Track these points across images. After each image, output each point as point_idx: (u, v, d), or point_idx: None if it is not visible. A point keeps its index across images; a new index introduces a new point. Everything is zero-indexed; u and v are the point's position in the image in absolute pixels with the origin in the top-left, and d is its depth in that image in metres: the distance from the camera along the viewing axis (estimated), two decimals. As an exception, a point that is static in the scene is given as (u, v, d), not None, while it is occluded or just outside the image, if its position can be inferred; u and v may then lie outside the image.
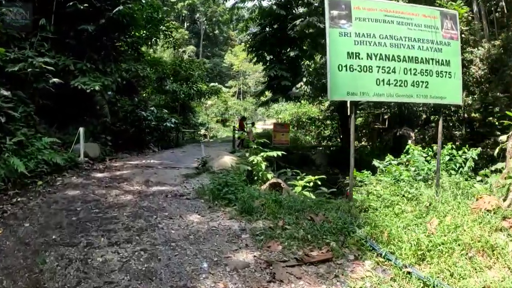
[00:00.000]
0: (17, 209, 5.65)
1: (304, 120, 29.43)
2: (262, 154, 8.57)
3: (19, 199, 6.10)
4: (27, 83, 8.90)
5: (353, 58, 5.63)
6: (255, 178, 8.48)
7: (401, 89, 5.93)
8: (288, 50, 15.65)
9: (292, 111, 30.13)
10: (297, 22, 13.65)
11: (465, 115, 26.71)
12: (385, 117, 31.13)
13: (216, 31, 58.54)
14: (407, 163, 10.24)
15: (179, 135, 19.16)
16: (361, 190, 9.66)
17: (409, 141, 20.42)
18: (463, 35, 20.67)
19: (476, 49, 22.03)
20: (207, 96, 22.30)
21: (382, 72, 5.78)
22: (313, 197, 9.47)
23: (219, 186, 6.73)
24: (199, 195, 6.85)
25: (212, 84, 23.78)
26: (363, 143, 31.74)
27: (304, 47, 16.47)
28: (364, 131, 29.76)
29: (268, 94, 21.14)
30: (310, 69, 17.67)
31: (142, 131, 16.16)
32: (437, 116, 26.57)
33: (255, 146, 8.77)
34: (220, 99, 32.63)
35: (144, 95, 23.25)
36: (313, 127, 30.24)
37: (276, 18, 16.65)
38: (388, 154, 21.33)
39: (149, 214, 5.65)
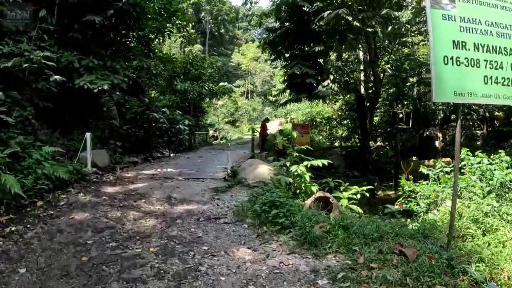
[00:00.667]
0: (11, 243, 4.29)
1: (319, 120, 28.00)
2: (305, 163, 7.18)
3: (13, 229, 4.73)
4: (24, 83, 7.56)
5: (459, 48, 4.19)
6: (297, 191, 7.09)
7: (509, 89, 4.48)
8: (312, 45, 14.20)
9: (305, 111, 28.69)
10: (325, 14, 12.21)
11: (487, 113, 25.25)
12: (400, 116, 29.77)
13: (222, 30, 57.24)
14: (462, 170, 8.78)
15: (192, 138, 17.80)
16: (418, 202, 8.26)
17: (436, 143, 19.03)
18: None
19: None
20: (218, 96, 20.92)
21: (490, 68, 4.34)
22: (360, 210, 8.10)
23: (265, 206, 5.35)
24: (240, 217, 5.47)
25: (221, 83, 22.31)
26: (378, 143, 30.33)
27: (330, 43, 15.03)
28: (380, 130, 28.34)
29: (286, 94, 19.77)
30: (337, 66, 16.20)
31: (153, 135, 14.85)
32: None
33: (296, 154, 7.39)
34: (230, 99, 31.32)
35: (153, 95, 21.97)
36: (328, 127, 28.82)
37: (298, 11, 15.23)
38: (415, 156, 19.97)
39: (182, 249, 4.27)
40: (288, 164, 7.24)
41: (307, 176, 7.16)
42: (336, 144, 29.40)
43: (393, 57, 23.43)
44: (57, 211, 5.55)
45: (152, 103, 14.16)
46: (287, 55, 16.75)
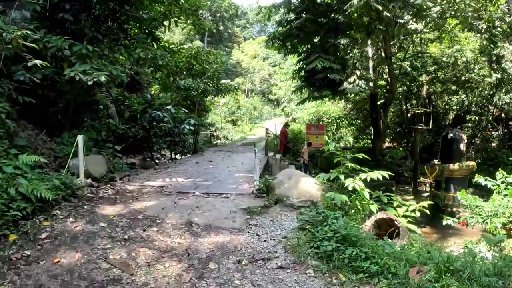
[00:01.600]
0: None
1: (326, 119, 26.44)
2: (362, 175, 5.59)
3: (-37, 286, 3.07)
4: (-1, 71, 5.83)
5: None
6: (353, 210, 5.48)
7: None
8: (335, 38, 12.54)
9: (311, 110, 27.09)
10: (354, 1, 10.59)
11: (502, 114, 23.91)
12: (408, 115, 28.37)
13: (221, 27, 55.41)
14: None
15: (197, 139, 16.08)
16: (492, 220, 6.69)
17: (461, 145, 17.56)
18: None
19: (508, 43, 19.26)
20: (223, 94, 19.15)
21: None
22: (419, 231, 6.53)
23: (333, 241, 3.72)
24: (297, 257, 3.83)
25: (223, 81, 20.57)
26: (387, 143, 28.84)
27: (355, 35, 13.41)
28: (387, 130, 26.89)
29: (287, 95, 18.19)
30: (361, 61, 14.55)
31: (155, 135, 13.16)
32: (474, 116, 23.76)
33: (350, 164, 5.79)
34: (233, 97, 29.62)
35: (153, 92, 20.21)
36: (335, 127, 27.27)
37: (314, 1, 13.60)
38: (436, 159, 18.44)
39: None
40: (342, 177, 5.62)
41: (366, 193, 5.55)
42: (342, 144, 27.90)
43: (410, 53, 22.00)
44: (36, 249, 3.87)
45: (155, 100, 12.42)
46: (303, 48, 15.07)
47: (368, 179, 5.75)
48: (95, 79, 6.79)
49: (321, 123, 27.34)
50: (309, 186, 5.54)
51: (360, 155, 6.45)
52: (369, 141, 24.73)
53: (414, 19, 13.27)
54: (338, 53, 13.45)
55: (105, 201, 5.86)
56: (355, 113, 27.44)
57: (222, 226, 4.78)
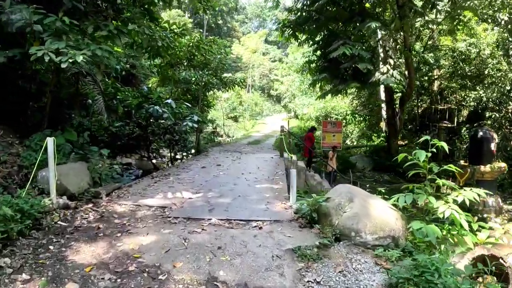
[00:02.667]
0: None
1: (335, 116, 24.59)
2: (455, 196, 3.77)
3: None
4: None
5: None
6: (443, 245, 3.65)
7: None
8: (361, 22, 10.61)
9: (318, 106, 25.21)
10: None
11: (526, 110, 22.27)
12: (419, 111, 26.59)
13: (220, 21, 53.16)
14: None
15: (200, 138, 14.14)
16: None
17: (492, 145, 15.79)
18: None
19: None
20: (227, 88, 17.16)
21: None
22: None
23: None
24: None
25: (224, 75, 18.52)
26: (399, 142, 27.06)
27: (385, 18, 11.48)
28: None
29: (290, 90, 16.33)
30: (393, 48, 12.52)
31: (153, 134, 11.30)
32: (494, 113, 22.01)
33: (442, 181, 3.97)
34: (235, 93, 27.62)
35: (150, 85, 18.25)
36: (344, 123, 25.44)
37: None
38: (462, 160, 16.67)
39: None
40: (432, 201, 3.78)
41: (464, 222, 3.70)
42: (348, 142, 26.09)
43: (426, 45, 20.19)
44: None
45: (153, 93, 10.44)
46: (321, 36, 13.11)
47: (461, 200, 3.92)
48: (70, 60, 4.87)
49: (326, 119, 25.61)
50: (385, 213, 3.68)
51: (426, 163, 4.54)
52: (378, 139, 22.97)
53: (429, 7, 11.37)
54: (363, 40, 11.53)
55: (82, 234, 3.97)
56: (362, 109, 25.66)
57: (265, 286, 2.91)
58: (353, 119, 22.98)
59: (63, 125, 7.93)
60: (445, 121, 17.86)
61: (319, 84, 13.72)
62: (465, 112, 24.26)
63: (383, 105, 24.81)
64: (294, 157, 10.64)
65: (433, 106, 23.62)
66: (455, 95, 23.69)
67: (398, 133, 19.37)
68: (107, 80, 10.05)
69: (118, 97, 10.23)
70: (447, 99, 24.03)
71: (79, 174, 5.74)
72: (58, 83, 7.42)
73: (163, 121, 10.48)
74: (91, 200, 5.35)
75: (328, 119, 25.17)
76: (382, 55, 11.40)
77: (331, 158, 11.97)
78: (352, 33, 10.84)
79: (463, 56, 19.71)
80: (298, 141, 15.00)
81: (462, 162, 16.77)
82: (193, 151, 13.45)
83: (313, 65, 17.18)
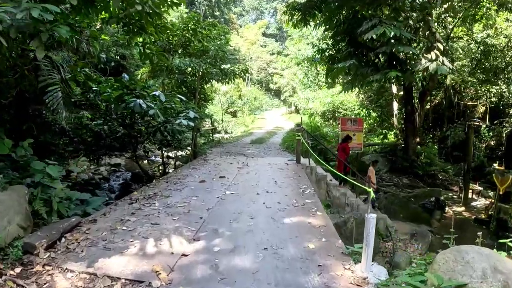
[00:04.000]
0: None
1: (343, 111, 22.30)
2: None
3: None
4: None
5: None
6: None
7: None
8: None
9: (325, 100, 22.88)
10: None
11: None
12: (431, 106, 24.43)
13: (217, 13, 50.31)
14: None
15: (197, 138, 11.75)
16: None
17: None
18: None
19: None
20: (228, 79, 14.70)
21: None
22: None
23: None
24: None
25: (223, 66, 16.01)
26: (417, 139, 24.88)
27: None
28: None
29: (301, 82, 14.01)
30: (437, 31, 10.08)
31: (139, 134, 9.07)
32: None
33: None
34: (235, 85, 25.15)
35: (139, 77, 15.81)
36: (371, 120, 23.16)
37: None
38: (495, 163, 14.53)
39: None
40: None
41: None
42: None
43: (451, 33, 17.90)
44: None
45: (136, 83, 8.00)
46: (341, 16, 10.68)
47: None
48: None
49: (334, 114, 23.29)
50: None
51: None
52: (392, 137, 20.73)
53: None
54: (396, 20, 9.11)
55: None
56: (368, 104, 23.40)
57: None
58: (367, 115, 20.64)
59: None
60: (477, 119, 15.59)
61: (342, 73, 11.20)
62: (481, 108, 22.12)
63: (395, 99, 22.57)
64: (322, 170, 8.30)
65: (444, 102, 21.47)
66: (471, 90, 21.49)
67: (416, 132, 17.15)
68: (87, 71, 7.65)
69: (94, 88, 7.85)
70: (463, 94, 21.86)
71: (5, 211, 3.39)
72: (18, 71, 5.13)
73: (159, 118, 8.11)
74: (20, 261, 3.03)
75: (337, 114, 22.96)
76: (428, 37, 9.03)
77: (370, 176, 9.78)
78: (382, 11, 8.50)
79: (489, 48, 17.52)
80: (315, 141, 12.65)
81: (496, 166, 14.71)
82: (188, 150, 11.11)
83: (327, 53, 14.83)
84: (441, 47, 8.39)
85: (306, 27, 15.43)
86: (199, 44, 13.23)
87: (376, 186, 9.97)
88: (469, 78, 20.74)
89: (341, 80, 15.39)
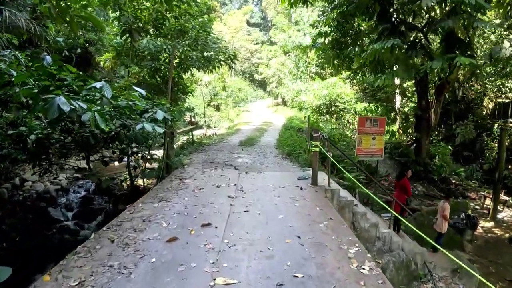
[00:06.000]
0: None
1: (341, 104, 19.65)
2: None
3: None
4: None
5: None
6: None
7: None
8: None
9: (321, 93, 20.12)
10: None
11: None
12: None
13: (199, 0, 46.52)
14: None
15: (170, 146, 8.67)
16: None
17: None
18: None
19: None
20: (212, 67, 11.63)
21: None
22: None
23: None
24: None
25: (205, 53, 12.83)
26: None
27: None
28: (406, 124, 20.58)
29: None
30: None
31: (86, 143, 6.16)
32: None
33: None
34: (219, 75, 22.01)
35: (102, 64, 12.59)
36: (351, 114, 20.58)
37: None
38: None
39: None
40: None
41: None
42: (349, 134, 21.33)
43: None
44: None
45: (67, 69, 4.94)
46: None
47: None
48: None
49: (330, 108, 20.39)
50: None
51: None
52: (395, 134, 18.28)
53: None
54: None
55: None
56: (364, 97, 20.89)
57: None
58: (372, 110, 18.03)
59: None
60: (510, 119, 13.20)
61: (371, 57, 8.15)
62: (489, 104, 19.90)
63: (398, 92, 20.09)
64: (346, 194, 5.52)
65: (450, 97, 19.09)
66: (481, 84, 19.18)
67: (431, 131, 14.70)
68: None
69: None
70: (472, 88, 19.56)
71: None
72: None
73: (104, 125, 5.07)
74: None
75: (335, 109, 20.24)
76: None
77: (443, 215, 7.42)
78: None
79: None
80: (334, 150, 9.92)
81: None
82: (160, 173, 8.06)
83: (327, 39, 12.07)
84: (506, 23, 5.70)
85: (307, 7, 12.54)
86: (176, 22, 10.20)
87: (445, 229, 7.61)
88: (477, 71, 18.26)
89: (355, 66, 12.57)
